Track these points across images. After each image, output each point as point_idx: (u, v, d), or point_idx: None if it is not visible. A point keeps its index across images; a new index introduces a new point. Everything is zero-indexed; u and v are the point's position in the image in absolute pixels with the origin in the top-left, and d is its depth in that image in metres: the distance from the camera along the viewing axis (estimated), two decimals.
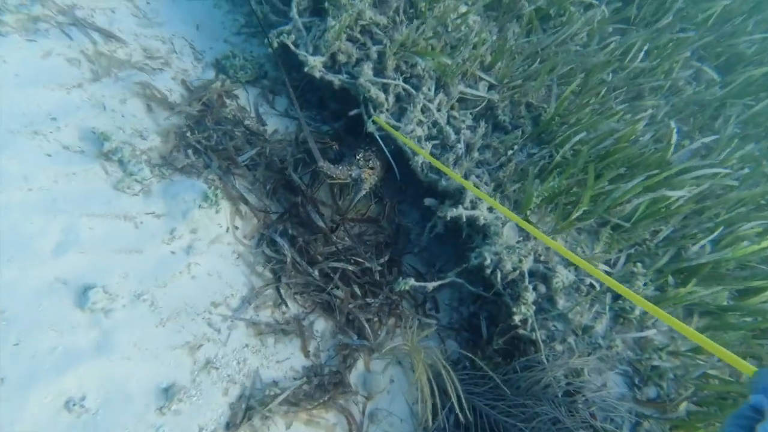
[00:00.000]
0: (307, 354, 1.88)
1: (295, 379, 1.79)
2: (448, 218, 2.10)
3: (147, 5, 2.35)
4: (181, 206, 1.81)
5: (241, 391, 1.61)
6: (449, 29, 2.48)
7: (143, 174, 1.81)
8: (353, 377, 1.94)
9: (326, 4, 2.15)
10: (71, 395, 1.27)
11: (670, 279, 2.28)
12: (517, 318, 2.04)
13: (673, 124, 2.63)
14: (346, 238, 2.25)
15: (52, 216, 1.53)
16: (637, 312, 2.16)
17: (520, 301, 2.06)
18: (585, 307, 2.15)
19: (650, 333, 2.20)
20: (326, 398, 1.75)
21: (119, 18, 2.20)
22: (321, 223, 2.10)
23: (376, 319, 2.12)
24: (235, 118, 2.25)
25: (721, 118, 3.06)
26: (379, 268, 2.18)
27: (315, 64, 2.15)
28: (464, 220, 2.11)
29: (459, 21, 2.42)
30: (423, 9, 2.39)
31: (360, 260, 2.15)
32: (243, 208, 2.03)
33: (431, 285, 2.15)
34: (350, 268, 2.12)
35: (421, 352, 2.01)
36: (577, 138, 2.22)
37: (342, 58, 2.21)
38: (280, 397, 1.63)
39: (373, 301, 2.13)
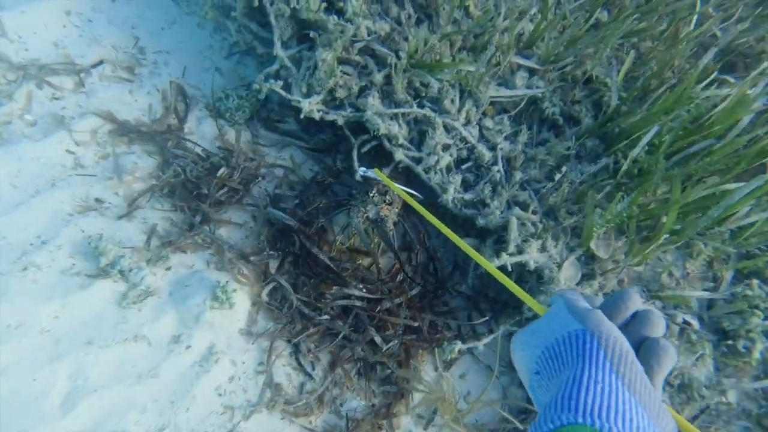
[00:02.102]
0: None
1: None
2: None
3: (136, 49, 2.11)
4: (193, 311, 1.67)
5: None
6: (469, 10, 1.96)
7: (146, 282, 1.67)
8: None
9: (311, 34, 1.75)
10: None
11: None
12: None
13: None
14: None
15: (57, 362, 1.45)
16: (756, 353, 1.71)
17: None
18: (679, 353, 1.75)
19: None
20: None
21: (96, 83, 1.99)
22: (323, 257, 1.82)
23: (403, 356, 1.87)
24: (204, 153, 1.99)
25: None
26: (397, 300, 1.88)
27: (311, 107, 1.80)
28: (510, 269, 1.75)
29: None
30: None
31: (371, 293, 1.85)
32: (244, 268, 1.84)
33: (481, 343, 1.86)
34: (357, 303, 1.85)
35: (452, 401, 1.77)
36: (648, 137, 1.68)
37: (341, 93, 1.83)
38: None
39: (389, 345, 1.83)
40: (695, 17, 1.99)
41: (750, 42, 2.11)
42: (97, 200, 1.74)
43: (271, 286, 1.81)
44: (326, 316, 1.81)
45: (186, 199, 1.86)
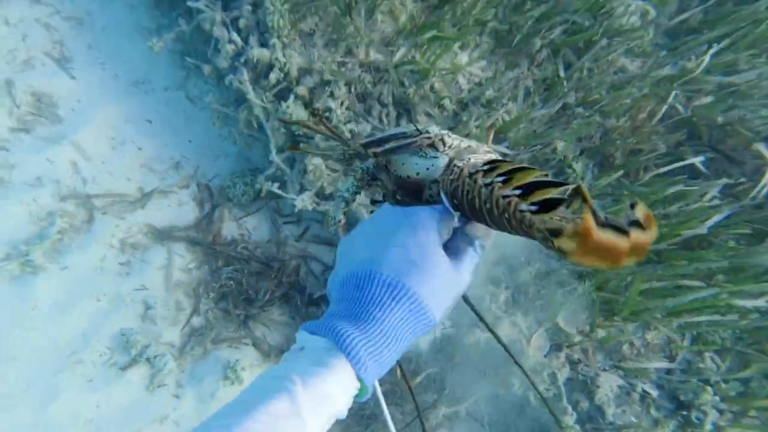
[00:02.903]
0: None
1: None
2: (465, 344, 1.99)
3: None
4: (208, 389, 1.95)
5: None
6: (445, 105, 2.19)
7: (169, 366, 1.96)
8: None
9: (301, 145, 2.01)
10: None
11: None
12: None
13: None
14: None
15: None
16: (707, 425, 1.89)
17: (560, 424, 1.92)
18: (641, 419, 1.94)
19: None
20: None
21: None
22: None
23: None
24: (246, 253, 2.27)
25: None
26: None
27: (305, 204, 2.06)
28: (481, 346, 1.98)
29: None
30: (410, 95, 2.12)
31: None
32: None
33: (463, 407, 2.09)
34: None
35: None
36: None
37: (330, 189, 2.08)
38: None
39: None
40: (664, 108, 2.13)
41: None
42: (146, 305, 2.03)
43: None
44: None
45: (236, 303, 2.09)
